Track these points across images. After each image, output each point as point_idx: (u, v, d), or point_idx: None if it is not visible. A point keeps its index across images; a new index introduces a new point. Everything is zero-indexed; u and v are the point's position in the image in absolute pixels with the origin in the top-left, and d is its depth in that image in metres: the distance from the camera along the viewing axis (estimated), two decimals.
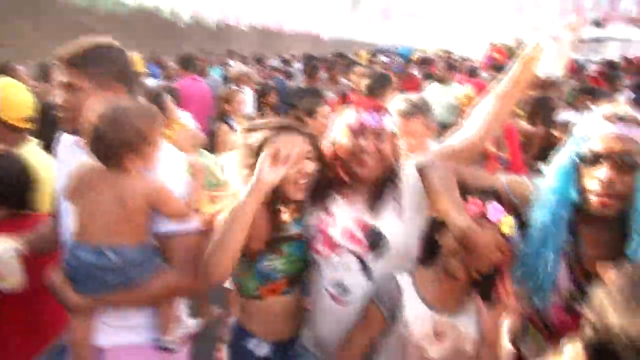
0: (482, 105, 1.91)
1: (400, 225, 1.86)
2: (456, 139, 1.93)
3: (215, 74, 9.57)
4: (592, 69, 16.24)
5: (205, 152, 4.18)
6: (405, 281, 1.76)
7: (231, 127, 4.60)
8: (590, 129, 1.49)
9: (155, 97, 3.86)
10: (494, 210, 1.62)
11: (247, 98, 5.93)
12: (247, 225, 1.70)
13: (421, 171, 1.81)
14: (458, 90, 4.50)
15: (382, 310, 1.73)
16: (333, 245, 1.88)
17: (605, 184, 1.39)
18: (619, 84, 7.36)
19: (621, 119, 1.44)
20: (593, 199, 1.44)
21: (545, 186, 1.59)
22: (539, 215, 1.59)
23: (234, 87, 6.26)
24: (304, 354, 2.00)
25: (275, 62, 9.23)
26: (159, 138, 1.75)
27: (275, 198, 1.85)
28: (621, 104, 1.56)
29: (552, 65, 1.71)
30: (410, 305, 1.71)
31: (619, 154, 1.39)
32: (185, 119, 4.56)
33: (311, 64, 7.49)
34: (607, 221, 1.49)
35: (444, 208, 1.63)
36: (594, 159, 1.44)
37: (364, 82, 3.54)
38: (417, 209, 1.89)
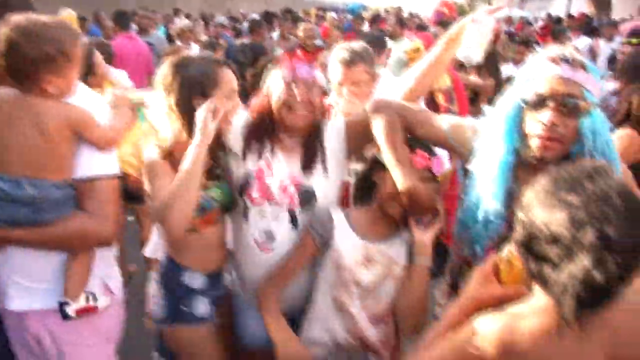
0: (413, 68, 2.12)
1: (325, 184, 2.00)
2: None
3: (160, 32, 9.15)
4: (539, 25, 16.52)
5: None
6: (337, 215, 1.91)
7: None
8: (534, 71, 1.44)
9: (84, 54, 3.62)
10: (438, 163, 1.76)
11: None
12: (199, 176, 1.77)
13: (369, 115, 1.82)
14: (407, 44, 4.46)
15: (314, 237, 1.88)
16: (268, 195, 1.97)
17: (548, 127, 1.35)
18: (564, 38, 7.49)
19: (566, 61, 1.38)
20: (535, 143, 1.40)
21: (489, 132, 1.54)
22: (483, 162, 1.55)
23: (179, 44, 6.00)
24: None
25: (222, 20, 8.84)
26: (79, 57, 1.60)
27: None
28: (568, 47, 1.49)
29: (472, 50, 1.83)
30: (341, 235, 1.87)
31: (563, 96, 1.35)
32: (121, 78, 4.35)
33: (252, 20, 7.28)
34: (546, 167, 1.45)
35: (389, 162, 1.69)
36: (538, 102, 1.38)
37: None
38: (338, 166, 2.04)
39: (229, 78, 1.87)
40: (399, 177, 1.65)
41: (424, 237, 1.78)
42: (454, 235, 1.81)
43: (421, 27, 7.79)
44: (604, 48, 8.14)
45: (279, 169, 1.99)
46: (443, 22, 6.50)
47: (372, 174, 1.89)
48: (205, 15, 14.82)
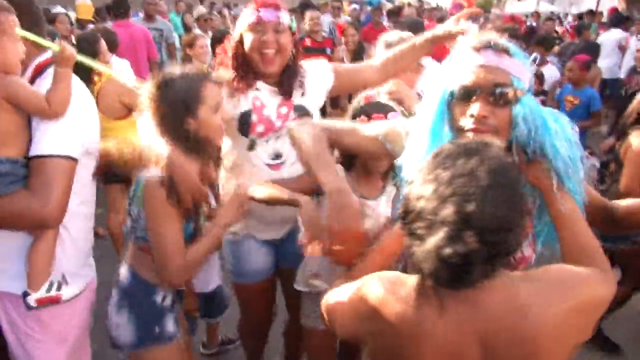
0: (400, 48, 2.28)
1: (307, 103, 2.19)
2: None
3: (174, 20, 9.17)
4: (568, 21, 16.09)
5: None
6: None
7: None
8: (458, 62, 1.33)
9: (89, 39, 3.65)
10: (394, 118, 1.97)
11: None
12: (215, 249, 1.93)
13: (291, 138, 1.70)
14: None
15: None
16: (270, 125, 2.11)
17: (478, 119, 1.24)
18: (586, 34, 7.27)
19: (489, 47, 1.27)
20: (467, 137, 1.27)
21: (416, 130, 1.42)
22: (410, 160, 1.42)
23: (197, 32, 5.99)
24: None
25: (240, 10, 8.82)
26: (11, 30, 1.53)
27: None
28: (491, 33, 1.38)
29: None
30: None
31: (489, 86, 1.24)
32: (123, 67, 4.35)
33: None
34: None
35: (314, 174, 1.53)
36: (465, 94, 1.26)
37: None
38: (318, 91, 2.25)
39: (214, 92, 1.80)
40: (324, 180, 1.48)
41: None
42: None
43: (441, 19, 7.66)
44: (634, 44, 7.83)
45: (268, 98, 2.12)
46: None
47: None
48: (229, 4, 14.85)
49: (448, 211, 0.93)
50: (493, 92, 1.24)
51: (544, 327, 1.02)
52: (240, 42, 2.09)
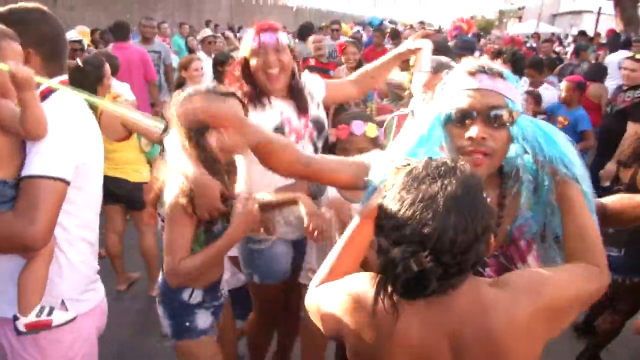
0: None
1: (320, 113, 2.46)
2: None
3: (178, 43, 9.29)
4: (569, 41, 16.20)
5: None
6: None
7: None
8: (454, 86, 1.37)
9: (95, 63, 3.71)
10: (357, 126, 2.22)
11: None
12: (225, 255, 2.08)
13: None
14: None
15: (309, 186, 2.28)
16: (299, 134, 2.32)
17: (475, 142, 1.28)
18: (584, 55, 7.35)
19: (484, 72, 1.32)
20: (465, 159, 1.28)
21: (405, 146, 1.41)
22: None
23: (200, 54, 6.06)
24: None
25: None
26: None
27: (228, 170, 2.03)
28: (483, 58, 1.43)
29: (424, 64, 2.38)
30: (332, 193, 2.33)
31: (486, 108, 1.28)
32: (123, 90, 4.42)
33: None
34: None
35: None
36: (462, 117, 1.31)
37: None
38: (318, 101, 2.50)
39: (236, 107, 1.94)
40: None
41: None
42: None
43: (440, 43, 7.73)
44: None
45: (289, 111, 2.30)
46: (461, 35, 6.48)
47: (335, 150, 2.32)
48: (232, 27, 15.10)
49: (406, 232, 1.00)
50: (489, 115, 1.29)
51: (510, 327, 1.07)
52: (246, 64, 2.28)
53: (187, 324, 2.07)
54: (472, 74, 1.33)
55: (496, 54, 4.13)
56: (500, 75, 1.33)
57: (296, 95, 2.34)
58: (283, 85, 2.28)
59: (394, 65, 2.60)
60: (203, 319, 2.09)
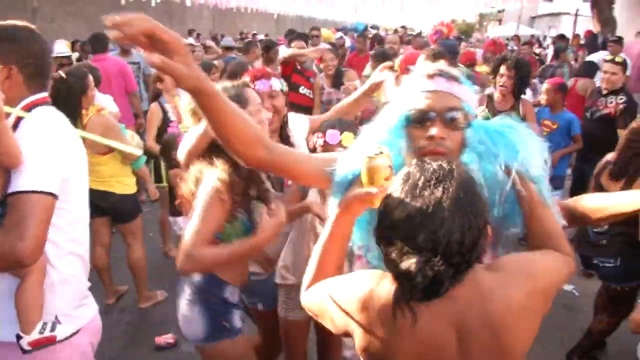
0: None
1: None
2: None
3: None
4: (548, 43, 16.41)
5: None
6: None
7: (162, 106, 4.41)
8: (412, 89, 1.40)
9: (78, 74, 3.68)
10: (331, 135, 2.20)
11: None
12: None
13: None
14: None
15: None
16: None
17: (435, 142, 1.31)
18: (563, 56, 7.48)
19: (442, 75, 1.37)
20: (425, 157, 1.28)
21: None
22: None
23: None
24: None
25: (228, 41, 8.87)
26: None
27: None
28: (440, 62, 1.48)
29: (388, 94, 2.64)
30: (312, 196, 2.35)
31: (444, 110, 1.32)
32: (106, 102, 4.39)
33: (247, 41, 7.42)
34: None
35: None
36: (422, 118, 1.33)
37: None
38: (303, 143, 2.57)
39: (254, 96, 2.12)
40: None
41: None
42: None
43: (424, 45, 7.80)
44: None
45: None
46: (442, 39, 6.54)
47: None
48: (216, 36, 15.04)
49: (418, 240, 1.03)
50: (447, 116, 1.32)
51: (507, 308, 1.14)
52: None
53: (225, 323, 2.05)
54: (430, 76, 1.37)
55: (500, 61, 4.12)
56: (456, 79, 1.38)
57: (285, 138, 2.49)
58: (276, 127, 2.46)
59: (364, 101, 2.86)
60: (237, 319, 2.10)
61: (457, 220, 1.03)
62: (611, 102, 4.62)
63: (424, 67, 1.44)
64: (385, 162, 1.23)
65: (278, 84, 2.48)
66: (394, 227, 1.07)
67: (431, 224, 1.02)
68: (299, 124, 2.65)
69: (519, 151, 1.36)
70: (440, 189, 1.05)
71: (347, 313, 1.23)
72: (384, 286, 1.18)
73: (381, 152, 1.23)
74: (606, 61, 4.71)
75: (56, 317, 1.71)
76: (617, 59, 4.64)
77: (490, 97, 4.19)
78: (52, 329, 1.67)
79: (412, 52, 5.14)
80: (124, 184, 3.72)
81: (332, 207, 1.39)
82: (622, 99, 4.58)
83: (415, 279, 1.02)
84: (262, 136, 1.36)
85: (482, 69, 6.35)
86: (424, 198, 1.05)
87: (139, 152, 2.85)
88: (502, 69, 4.03)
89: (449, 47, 5.74)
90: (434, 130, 1.31)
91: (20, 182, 1.54)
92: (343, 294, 1.26)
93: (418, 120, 1.34)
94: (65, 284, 1.75)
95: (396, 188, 1.12)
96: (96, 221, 3.75)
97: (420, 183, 1.08)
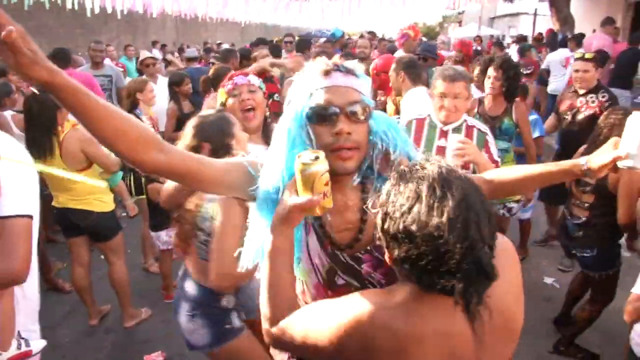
0: None
1: None
2: None
3: (128, 64, 9.12)
4: (508, 43, 16.82)
5: None
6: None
7: (137, 117, 4.33)
8: (309, 86, 1.35)
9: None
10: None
11: (160, 87, 5.65)
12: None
13: None
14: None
15: None
16: None
17: (342, 137, 1.29)
18: (528, 55, 7.68)
19: (339, 70, 1.34)
20: (333, 156, 1.30)
21: (270, 160, 1.38)
22: (270, 183, 1.36)
23: (143, 77, 5.93)
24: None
25: (192, 52, 8.74)
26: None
27: None
28: (335, 57, 1.45)
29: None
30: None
31: (345, 104, 1.30)
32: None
33: (225, 50, 7.35)
34: (349, 178, 1.38)
35: None
36: (326, 115, 1.31)
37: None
38: None
39: (234, 120, 2.27)
40: None
41: None
42: None
43: (392, 50, 7.91)
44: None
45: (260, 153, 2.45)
46: (409, 43, 6.64)
47: None
48: (181, 47, 14.90)
49: (471, 234, 1.02)
50: (349, 110, 1.31)
51: (508, 287, 1.19)
52: (224, 106, 2.54)
53: (227, 326, 2.22)
54: (327, 72, 1.34)
55: (487, 62, 4.11)
56: (353, 72, 1.36)
57: (268, 136, 2.47)
58: (258, 123, 2.52)
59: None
60: (236, 319, 2.26)
61: (481, 213, 1.05)
62: (593, 102, 4.44)
63: (317, 63, 1.37)
64: (322, 167, 1.20)
65: (257, 81, 2.57)
66: (441, 237, 1.02)
67: (473, 216, 1.03)
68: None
69: (407, 140, 1.43)
70: (456, 192, 1.05)
71: (337, 341, 1.15)
72: (392, 299, 1.15)
73: (317, 158, 1.20)
74: (576, 59, 4.52)
75: (19, 333, 1.75)
76: (588, 56, 4.45)
77: (480, 101, 4.07)
78: (27, 344, 1.73)
79: (387, 56, 5.22)
80: (102, 202, 3.61)
81: (256, 222, 1.37)
82: (604, 96, 4.40)
83: (486, 267, 1.02)
84: (154, 138, 1.23)
85: None
86: (449, 207, 1.03)
87: (102, 183, 2.94)
88: (490, 71, 3.95)
89: (429, 47, 5.87)
90: (339, 126, 1.29)
91: (4, 208, 1.61)
92: (329, 324, 1.17)
93: (322, 118, 1.31)
94: (27, 300, 1.83)
95: (411, 204, 1.07)
96: (74, 241, 3.65)
97: (438, 193, 1.05)
